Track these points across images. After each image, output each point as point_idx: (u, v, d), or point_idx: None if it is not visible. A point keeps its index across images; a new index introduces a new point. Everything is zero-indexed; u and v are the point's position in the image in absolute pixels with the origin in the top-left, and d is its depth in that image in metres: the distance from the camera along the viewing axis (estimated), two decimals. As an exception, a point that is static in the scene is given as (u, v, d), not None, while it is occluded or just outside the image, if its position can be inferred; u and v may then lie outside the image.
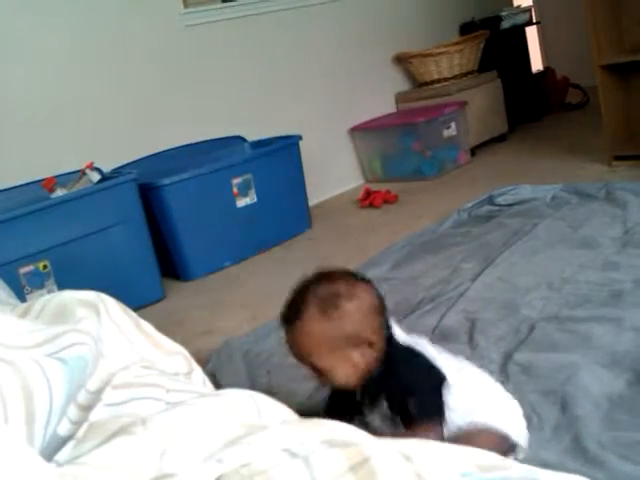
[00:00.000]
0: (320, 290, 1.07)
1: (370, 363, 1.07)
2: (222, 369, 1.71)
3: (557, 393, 1.28)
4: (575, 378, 1.31)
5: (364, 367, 1.07)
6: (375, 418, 1.12)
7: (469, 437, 1.03)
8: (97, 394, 0.71)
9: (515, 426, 1.12)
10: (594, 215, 2.26)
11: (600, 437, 1.14)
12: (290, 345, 1.09)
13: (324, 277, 1.10)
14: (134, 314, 0.86)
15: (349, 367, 1.06)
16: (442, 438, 1.07)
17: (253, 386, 1.58)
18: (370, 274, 2.20)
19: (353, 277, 1.11)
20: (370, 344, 1.06)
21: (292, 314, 1.08)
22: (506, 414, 1.13)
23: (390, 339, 1.11)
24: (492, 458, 0.51)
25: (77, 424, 0.67)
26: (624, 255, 1.88)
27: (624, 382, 1.28)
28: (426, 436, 1.04)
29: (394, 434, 1.07)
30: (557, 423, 1.21)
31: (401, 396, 1.06)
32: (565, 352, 1.43)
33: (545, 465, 1.04)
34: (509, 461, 0.51)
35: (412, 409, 1.05)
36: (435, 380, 1.08)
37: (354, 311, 1.05)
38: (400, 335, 1.13)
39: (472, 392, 1.12)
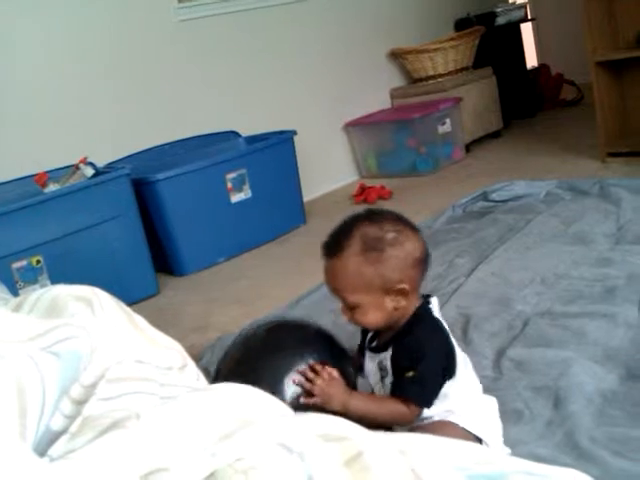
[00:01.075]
0: (368, 230, 1.07)
1: (399, 312, 1.09)
2: (216, 365, 1.70)
3: (550, 388, 1.29)
4: (568, 373, 1.31)
5: (392, 314, 1.09)
6: (371, 364, 1.14)
7: (432, 429, 1.02)
8: (91, 388, 0.70)
9: (488, 433, 1.11)
10: (588, 211, 2.27)
11: (593, 432, 1.14)
12: (326, 277, 1.11)
13: (376, 217, 1.10)
14: (128, 309, 0.86)
15: (377, 310, 1.08)
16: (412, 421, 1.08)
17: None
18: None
19: (404, 224, 1.10)
20: (404, 294, 1.07)
21: (334, 246, 1.09)
22: (483, 421, 1.12)
23: (424, 304, 1.12)
24: (487, 452, 0.52)
25: (71, 418, 0.67)
26: (617, 251, 1.89)
27: (617, 377, 1.29)
28: (401, 415, 1.06)
29: (369, 396, 1.10)
30: (550, 418, 1.21)
31: (404, 359, 1.07)
32: (558, 348, 1.43)
33: (537, 460, 1.05)
34: (504, 455, 0.51)
35: (407, 381, 1.05)
36: (446, 365, 1.08)
37: (395, 258, 1.06)
38: (435, 308, 1.13)
39: (465, 392, 1.13)
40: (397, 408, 1.06)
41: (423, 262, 1.10)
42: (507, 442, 1.14)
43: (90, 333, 0.75)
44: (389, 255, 1.05)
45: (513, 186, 2.68)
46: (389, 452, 0.48)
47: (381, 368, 1.12)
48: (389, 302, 1.07)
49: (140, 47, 2.95)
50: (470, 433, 1.09)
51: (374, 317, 1.08)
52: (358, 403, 1.08)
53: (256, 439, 0.51)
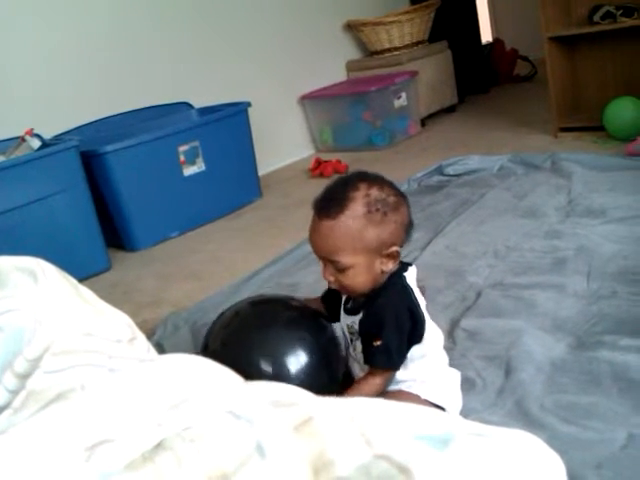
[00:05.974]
0: (371, 191, 1.06)
1: (382, 275, 1.09)
2: (169, 339, 1.68)
3: (502, 358, 1.31)
4: (519, 343, 1.33)
5: (378, 277, 1.09)
6: (344, 326, 1.16)
7: (395, 399, 1.04)
8: (35, 362, 0.68)
9: (450, 403, 1.14)
10: (539, 185, 2.31)
11: (542, 400, 1.16)
12: (317, 238, 1.08)
13: (373, 179, 1.09)
14: (74, 280, 0.83)
15: (368, 273, 1.07)
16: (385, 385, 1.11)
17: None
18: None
19: (396, 188, 1.11)
20: (394, 257, 1.08)
21: (333, 206, 1.05)
22: (446, 392, 1.15)
23: (399, 271, 1.12)
24: (436, 415, 0.52)
25: (14, 393, 0.65)
26: (567, 224, 1.92)
27: (566, 346, 1.32)
28: (375, 389, 1.09)
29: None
30: (501, 387, 1.23)
31: (369, 326, 1.09)
32: (510, 318, 1.46)
33: (489, 427, 1.06)
34: (456, 418, 0.51)
35: (375, 351, 1.07)
36: (411, 331, 1.09)
37: (394, 223, 1.06)
38: (410, 277, 1.13)
39: (433, 364, 1.15)
40: (371, 387, 1.09)
41: (410, 228, 1.12)
42: (460, 411, 1.15)
43: (34, 305, 0.72)
44: (390, 219, 1.06)
45: (467, 160, 2.70)
46: (339, 417, 0.48)
47: (351, 332, 1.14)
48: (379, 265, 1.08)
49: (88, 15, 2.84)
50: (432, 404, 1.10)
51: (364, 279, 1.08)
52: None
53: (204, 407, 0.50)
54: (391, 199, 1.07)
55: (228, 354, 1.09)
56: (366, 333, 1.10)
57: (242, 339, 1.14)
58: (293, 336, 1.14)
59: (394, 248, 1.07)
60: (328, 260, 1.08)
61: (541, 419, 1.11)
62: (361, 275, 1.07)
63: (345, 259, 1.05)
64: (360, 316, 1.12)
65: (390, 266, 1.09)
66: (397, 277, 1.12)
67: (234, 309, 1.24)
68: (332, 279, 1.09)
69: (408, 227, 1.11)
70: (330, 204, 1.06)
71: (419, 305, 1.12)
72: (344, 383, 1.17)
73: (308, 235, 1.10)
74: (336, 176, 1.18)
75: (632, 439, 1.02)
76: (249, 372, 1.07)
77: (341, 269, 1.07)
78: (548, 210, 2.06)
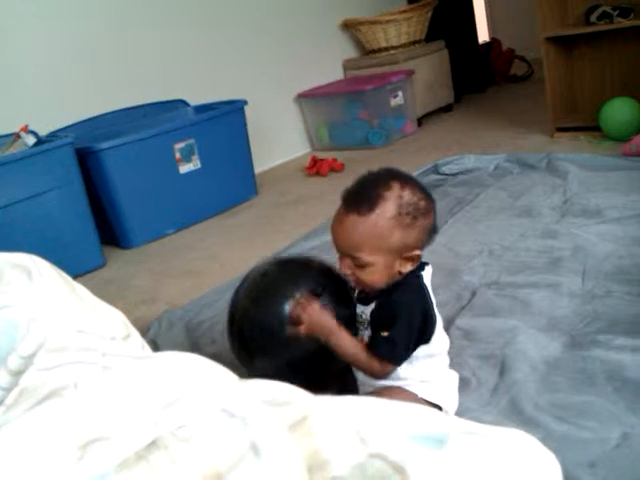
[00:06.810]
0: (403, 193, 1.05)
1: (400, 275, 1.09)
2: (163, 337, 1.68)
3: (496, 357, 1.31)
4: (514, 342, 1.34)
5: (395, 275, 1.09)
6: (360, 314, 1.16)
7: (390, 396, 1.04)
8: (29, 359, 0.68)
9: (448, 404, 1.14)
10: (535, 185, 2.31)
11: (536, 399, 1.17)
12: (341, 230, 1.07)
13: (405, 180, 1.08)
14: (68, 277, 0.83)
15: (386, 271, 1.07)
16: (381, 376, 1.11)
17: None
18: (313, 244, 2.20)
19: (426, 191, 1.09)
20: (414, 260, 1.08)
21: (364, 202, 1.04)
22: (444, 393, 1.15)
23: (417, 269, 1.11)
24: (431, 414, 0.51)
25: (7, 390, 0.64)
26: (563, 224, 1.93)
27: (560, 345, 1.32)
28: (373, 367, 1.09)
29: (353, 339, 1.11)
30: (495, 386, 1.23)
31: (381, 318, 1.09)
32: (505, 317, 1.46)
33: (484, 426, 1.06)
34: (451, 418, 0.51)
35: (380, 340, 1.07)
36: (421, 330, 1.09)
37: (422, 227, 1.06)
38: (426, 276, 1.13)
39: (436, 364, 1.15)
40: (372, 361, 1.09)
41: (434, 233, 1.11)
42: (455, 410, 1.15)
43: (28, 302, 0.72)
44: (419, 224, 1.06)
45: (463, 160, 2.70)
46: (334, 416, 0.48)
47: (360, 322, 1.14)
48: (398, 265, 1.08)
49: (82, 12, 2.83)
50: (429, 402, 1.11)
51: (380, 277, 1.08)
52: (341, 341, 1.09)
53: (198, 406, 0.50)
54: (422, 204, 1.06)
55: (257, 311, 1.16)
56: (376, 324, 1.10)
57: (270, 296, 1.17)
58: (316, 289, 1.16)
59: (416, 252, 1.08)
60: (348, 254, 1.08)
61: (535, 418, 1.11)
62: (378, 273, 1.07)
63: (366, 256, 1.05)
64: (372, 306, 1.12)
65: (409, 267, 1.09)
66: (415, 276, 1.11)
67: (262, 270, 1.27)
68: (349, 272, 1.09)
69: (432, 232, 1.10)
70: (360, 199, 1.05)
71: (433, 306, 1.12)
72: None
73: (331, 225, 1.09)
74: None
75: (626, 438, 1.02)
76: (277, 327, 1.11)
77: (360, 265, 1.07)
78: (544, 210, 2.07)
